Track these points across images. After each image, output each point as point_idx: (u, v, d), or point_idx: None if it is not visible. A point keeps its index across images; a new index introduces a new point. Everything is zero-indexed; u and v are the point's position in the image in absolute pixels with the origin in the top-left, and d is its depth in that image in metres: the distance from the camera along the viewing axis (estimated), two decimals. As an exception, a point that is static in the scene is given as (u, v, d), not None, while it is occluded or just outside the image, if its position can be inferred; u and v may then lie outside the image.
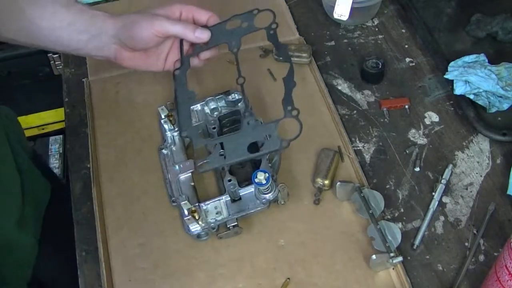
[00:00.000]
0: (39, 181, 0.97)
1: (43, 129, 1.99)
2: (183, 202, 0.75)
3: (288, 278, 0.74)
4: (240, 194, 0.79)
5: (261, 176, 0.76)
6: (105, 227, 0.81)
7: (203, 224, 0.76)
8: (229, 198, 0.78)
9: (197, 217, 0.75)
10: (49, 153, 1.90)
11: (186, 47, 0.84)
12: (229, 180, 0.79)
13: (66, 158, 1.08)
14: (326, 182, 0.82)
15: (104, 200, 0.84)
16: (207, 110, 0.89)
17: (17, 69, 1.80)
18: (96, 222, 0.81)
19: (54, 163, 1.88)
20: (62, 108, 0.99)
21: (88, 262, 0.78)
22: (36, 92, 1.88)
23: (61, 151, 1.90)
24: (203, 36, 0.80)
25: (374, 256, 0.72)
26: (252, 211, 0.78)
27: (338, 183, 0.79)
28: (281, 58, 0.99)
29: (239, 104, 0.88)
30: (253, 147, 0.76)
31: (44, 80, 1.83)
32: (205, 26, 0.82)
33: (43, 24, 0.77)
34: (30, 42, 0.79)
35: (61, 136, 1.93)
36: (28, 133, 1.99)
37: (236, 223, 0.77)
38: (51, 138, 1.94)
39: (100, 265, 0.76)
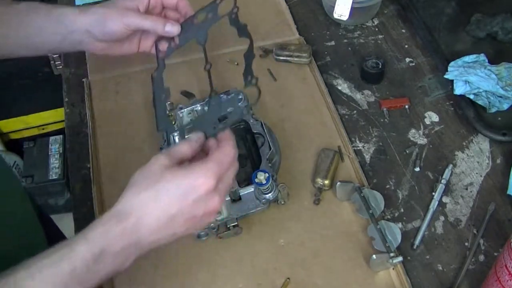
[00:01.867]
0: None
1: (43, 129, 1.99)
2: (183, 202, 0.75)
3: (288, 278, 0.74)
4: (240, 194, 0.79)
5: (261, 176, 0.76)
6: (105, 227, 0.81)
7: (203, 224, 0.76)
8: (229, 198, 0.78)
9: (197, 217, 0.75)
10: (49, 153, 1.90)
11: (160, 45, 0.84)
12: (229, 180, 0.79)
13: (66, 158, 1.08)
14: (326, 182, 0.82)
15: (104, 200, 0.84)
16: (207, 110, 0.89)
17: (17, 69, 1.80)
18: (96, 222, 0.80)
19: (54, 163, 1.88)
20: (62, 108, 0.99)
21: (88, 262, 0.78)
22: (36, 92, 1.88)
23: (61, 151, 1.90)
24: (173, 30, 0.81)
25: (374, 256, 0.72)
26: (252, 211, 0.78)
27: (338, 183, 0.79)
28: (281, 58, 0.99)
29: (239, 104, 0.88)
30: (253, 143, 0.77)
31: (44, 80, 1.83)
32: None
33: (13, 34, 0.79)
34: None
35: (61, 136, 1.94)
36: (28, 133, 2.00)
37: (236, 223, 0.77)
38: (51, 138, 1.94)
39: (100, 265, 0.76)
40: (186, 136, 0.88)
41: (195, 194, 0.59)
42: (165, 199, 0.59)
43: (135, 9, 0.81)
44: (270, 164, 0.80)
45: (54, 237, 0.95)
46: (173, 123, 0.87)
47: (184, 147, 0.65)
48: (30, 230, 0.84)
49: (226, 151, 0.64)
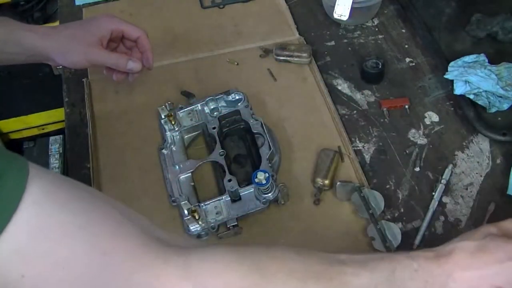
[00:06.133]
0: None
1: (43, 129, 1.99)
2: (183, 202, 0.75)
3: (288, 278, 0.74)
4: (240, 194, 0.79)
5: (261, 176, 0.76)
6: (105, 227, 0.81)
7: (203, 224, 0.76)
8: (229, 198, 0.78)
9: (197, 217, 0.75)
10: (49, 153, 1.90)
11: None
12: (229, 180, 0.79)
13: (66, 158, 1.08)
14: (326, 182, 0.82)
15: (104, 200, 0.84)
16: (207, 110, 0.89)
17: (17, 69, 1.79)
18: (96, 222, 0.80)
19: (54, 163, 1.88)
20: (62, 108, 0.99)
21: (88, 262, 0.78)
22: (36, 92, 1.88)
23: (61, 151, 1.90)
24: (135, 67, 0.86)
25: (374, 256, 0.72)
26: (252, 211, 0.78)
27: (338, 183, 0.79)
28: (281, 58, 0.99)
29: (239, 104, 0.88)
30: (253, 143, 0.77)
31: (44, 80, 1.83)
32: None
33: None
34: None
35: (61, 136, 1.93)
36: (28, 133, 1.99)
37: (236, 223, 0.77)
38: (51, 138, 1.93)
39: (100, 265, 0.76)
40: (185, 136, 0.88)
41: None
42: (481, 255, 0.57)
43: (98, 44, 0.83)
44: (270, 164, 0.80)
45: None
46: (173, 123, 0.87)
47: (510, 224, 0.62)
48: None
49: None
